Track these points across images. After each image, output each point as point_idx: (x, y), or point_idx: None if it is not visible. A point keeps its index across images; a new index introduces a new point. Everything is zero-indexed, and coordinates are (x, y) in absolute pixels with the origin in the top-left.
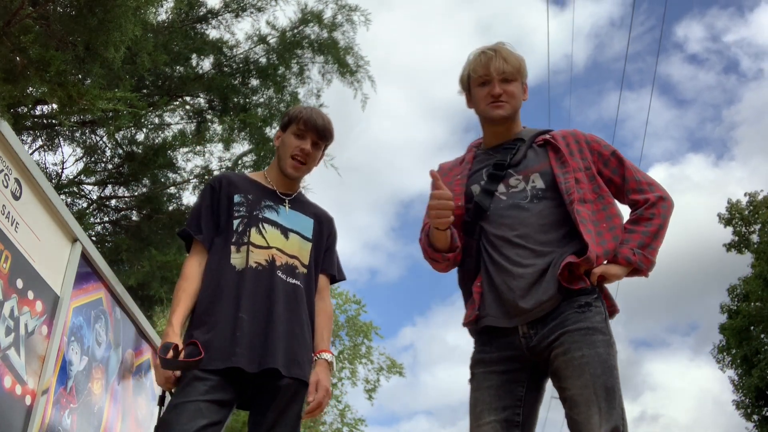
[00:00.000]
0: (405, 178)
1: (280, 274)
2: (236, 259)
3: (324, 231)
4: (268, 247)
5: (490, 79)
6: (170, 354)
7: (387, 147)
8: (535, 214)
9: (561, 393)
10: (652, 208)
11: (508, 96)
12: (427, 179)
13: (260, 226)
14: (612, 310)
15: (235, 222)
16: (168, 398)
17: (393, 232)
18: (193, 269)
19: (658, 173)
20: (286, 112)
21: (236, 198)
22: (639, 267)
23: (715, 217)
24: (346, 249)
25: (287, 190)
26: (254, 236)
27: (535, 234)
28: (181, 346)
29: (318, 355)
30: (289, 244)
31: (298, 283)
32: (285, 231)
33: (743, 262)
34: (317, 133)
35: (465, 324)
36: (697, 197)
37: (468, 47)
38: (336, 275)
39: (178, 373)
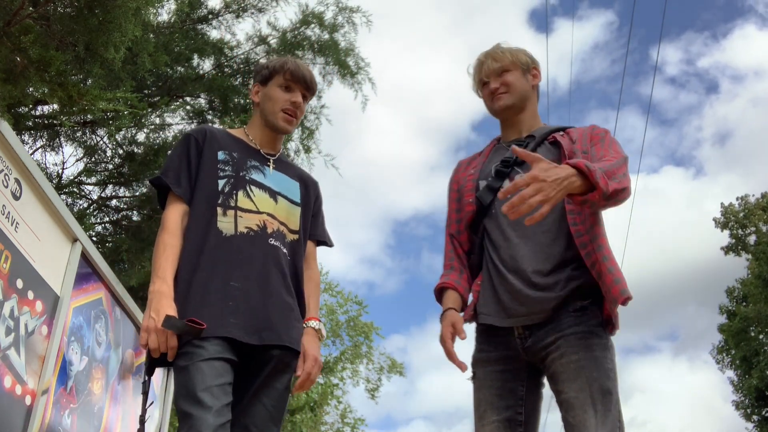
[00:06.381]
0: (399, 196)
1: (272, 242)
2: (223, 223)
3: (311, 194)
4: (258, 212)
5: (487, 81)
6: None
7: (380, 164)
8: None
9: (557, 396)
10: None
11: (505, 86)
12: (421, 198)
13: (248, 188)
14: (611, 326)
15: (221, 182)
16: (158, 372)
17: (389, 249)
18: (176, 223)
19: (637, 185)
20: (262, 64)
21: (220, 155)
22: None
23: (691, 229)
24: (344, 263)
25: (271, 149)
26: (242, 200)
27: (533, 235)
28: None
29: (306, 323)
30: (279, 209)
31: (286, 251)
32: (273, 194)
33: (727, 270)
34: (305, 86)
35: (465, 320)
36: (677, 210)
37: (460, 70)
38: (327, 242)
39: (174, 341)
